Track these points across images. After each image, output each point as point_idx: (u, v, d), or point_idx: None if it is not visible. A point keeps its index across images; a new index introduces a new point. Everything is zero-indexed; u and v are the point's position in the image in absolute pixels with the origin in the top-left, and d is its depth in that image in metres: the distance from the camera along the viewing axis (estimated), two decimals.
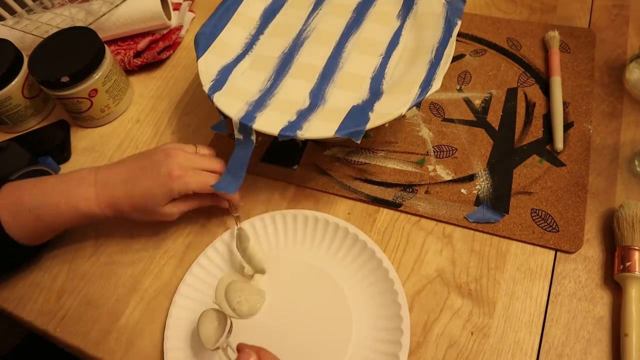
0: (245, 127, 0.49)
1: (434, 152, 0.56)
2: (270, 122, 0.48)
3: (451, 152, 0.56)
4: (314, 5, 0.61)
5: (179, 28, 0.72)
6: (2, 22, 0.70)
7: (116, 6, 0.68)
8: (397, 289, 0.46)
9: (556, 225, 0.49)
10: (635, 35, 0.62)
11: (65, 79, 0.58)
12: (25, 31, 0.68)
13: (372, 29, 0.57)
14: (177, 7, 0.74)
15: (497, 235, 0.50)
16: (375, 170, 0.56)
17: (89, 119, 0.65)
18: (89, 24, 0.67)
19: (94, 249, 0.55)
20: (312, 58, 0.55)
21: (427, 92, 0.47)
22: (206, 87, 0.52)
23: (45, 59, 0.61)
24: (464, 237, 0.50)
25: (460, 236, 0.50)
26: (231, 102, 0.51)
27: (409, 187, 0.54)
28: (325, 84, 0.53)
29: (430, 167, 0.55)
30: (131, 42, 0.71)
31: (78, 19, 0.69)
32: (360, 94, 0.51)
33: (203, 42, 0.56)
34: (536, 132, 0.56)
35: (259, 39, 0.58)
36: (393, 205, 0.53)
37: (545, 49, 0.63)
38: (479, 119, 0.58)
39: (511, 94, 0.60)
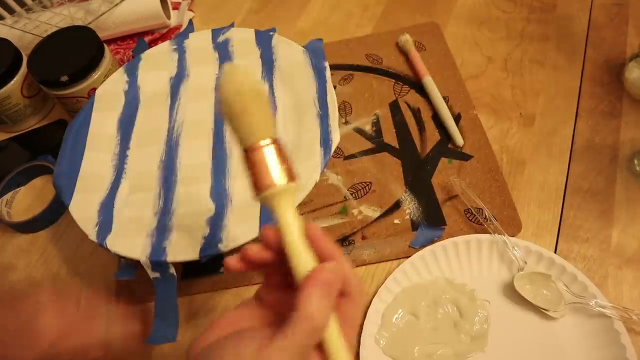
0: (158, 263, 0.42)
1: (351, 194, 0.53)
2: (184, 248, 0.42)
3: (367, 187, 0.53)
4: (171, 98, 0.54)
5: (178, 27, 0.72)
6: (1, 21, 0.70)
7: (115, 5, 0.68)
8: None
9: (491, 215, 0.48)
10: (634, 35, 0.62)
11: (64, 79, 0.58)
12: (24, 30, 0.68)
13: None
14: (176, 6, 0.74)
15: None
16: None
17: None
18: (88, 23, 0.67)
19: (95, 248, 0.55)
20: (195, 156, 0.49)
21: (331, 149, 0.45)
22: (92, 235, 0.44)
23: (45, 58, 0.60)
24: None
25: None
26: (129, 240, 0.43)
27: (344, 240, 0.50)
28: (222, 178, 0.47)
29: (355, 211, 0.52)
30: (130, 42, 0.71)
31: (77, 18, 0.69)
32: None
33: (65, 183, 0.47)
34: (433, 135, 0.56)
35: (127, 156, 0.50)
36: None
37: (404, 53, 0.64)
38: (377, 143, 0.57)
39: (394, 107, 0.59)
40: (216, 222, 0.43)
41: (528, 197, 0.52)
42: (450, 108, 0.57)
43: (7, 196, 0.60)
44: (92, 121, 0.52)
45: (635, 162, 0.52)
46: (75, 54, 0.59)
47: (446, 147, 0.55)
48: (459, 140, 0.55)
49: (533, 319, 0.44)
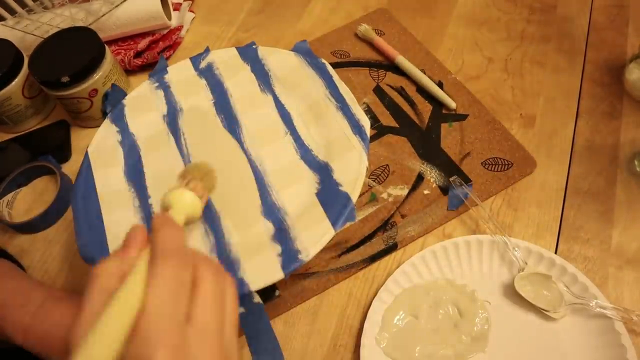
0: (241, 297, 0.40)
1: (374, 180, 0.54)
2: (263, 272, 0.40)
3: (386, 170, 0.55)
4: (173, 136, 0.52)
5: (179, 28, 0.72)
6: (2, 22, 0.70)
7: (116, 6, 0.68)
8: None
9: (506, 161, 0.53)
10: (635, 35, 0.62)
11: (65, 79, 0.58)
12: (25, 31, 0.68)
13: (253, 117, 0.51)
14: (177, 7, 0.74)
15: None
16: (346, 236, 0.51)
17: (89, 119, 0.65)
18: (89, 24, 0.67)
19: None
20: (234, 182, 0.47)
21: (366, 134, 0.46)
22: None
23: (46, 59, 0.61)
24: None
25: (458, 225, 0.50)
26: None
27: (387, 224, 0.51)
28: (268, 196, 0.45)
29: (385, 195, 0.53)
30: (131, 42, 0.71)
31: (78, 19, 0.69)
32: (307, 178, 0.46)
33: (96, 254, 0.44)
34: (425, 107, 0.59)
35: (151, 205, 0.47)
36: (391, 250, 0.50)
37: (367, 42, 0.66)
38: (377, 128, 0.58)
39: (379, 92, 0.61)
40: (284, 237, 0.42)
41: (529, 197, 0.52)
42: (430, 78, 0.60)
43: (8, 197, 0.60)
44: (96, 181, 0.49)
45: (636, 162, 0.52)
46: (76, 54, 0.60)
47: (441, 113, 0.58)
48: (451, 103, 0.58)
49: (533, 320, 0.44)
